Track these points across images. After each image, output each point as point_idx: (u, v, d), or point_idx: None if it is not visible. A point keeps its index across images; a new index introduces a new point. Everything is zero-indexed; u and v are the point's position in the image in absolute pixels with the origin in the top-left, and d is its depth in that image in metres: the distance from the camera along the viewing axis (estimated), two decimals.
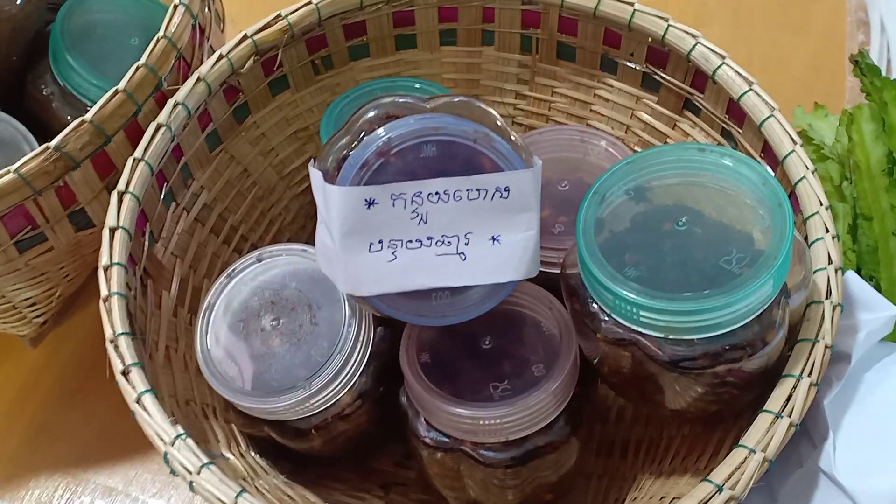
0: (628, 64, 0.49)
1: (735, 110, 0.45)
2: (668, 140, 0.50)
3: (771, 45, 0.67)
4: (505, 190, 0.35)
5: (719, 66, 0.44)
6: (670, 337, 0.35)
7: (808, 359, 0.36)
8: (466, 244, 0.36)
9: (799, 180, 0.40)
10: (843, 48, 0.66)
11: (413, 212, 0.36)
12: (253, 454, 0.45)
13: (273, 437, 0.44)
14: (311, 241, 0.55)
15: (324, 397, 0.41)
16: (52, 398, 0.56)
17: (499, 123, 0.38)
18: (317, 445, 0.44)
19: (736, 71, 0.43)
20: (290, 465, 0.46)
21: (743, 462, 0.34)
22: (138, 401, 0.37)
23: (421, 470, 0.44)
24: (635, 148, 0.51)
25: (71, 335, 0.58)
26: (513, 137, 0.37)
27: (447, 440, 0.41)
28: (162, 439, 0.36)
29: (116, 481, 0.53)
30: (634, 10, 0.46)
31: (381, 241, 0.36)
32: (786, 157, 0.41)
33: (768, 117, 0.42)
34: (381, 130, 0.36)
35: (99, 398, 0.55)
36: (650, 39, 0.47)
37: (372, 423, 0.44)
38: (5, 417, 0.56)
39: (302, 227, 0.55)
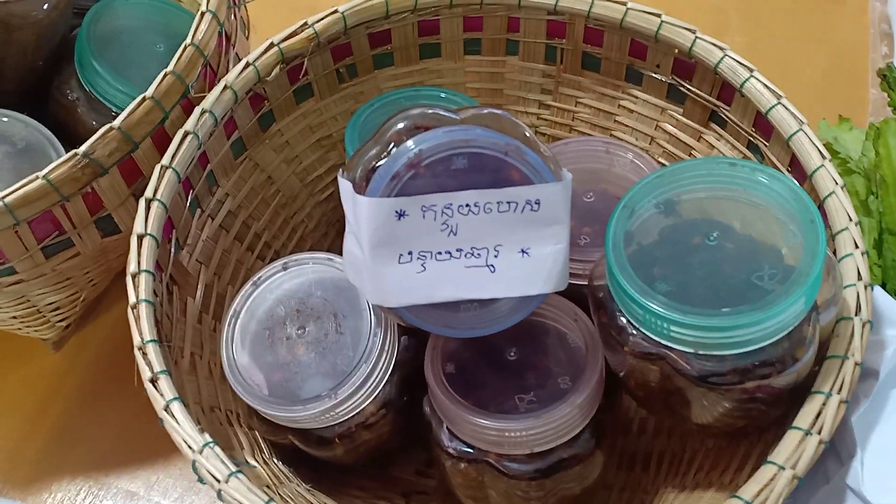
0: (654, 75, 0.49)
1: (762, 123, 0.44)
2: (692, 152, 0.49)
3: (791, 56, 0.67)
4: (535, 203, 0.35)
5: (747, 79, 0.44)
6: (700, 352, 0.35)
7: (837, 375, 0.36)
8: (496, 256, 0.36)
9: (828, 195, 0.40)
10: (866, 59, 0.66)
11: (443, 224, 0.36)
12: (276, 461, 0.45)
13: (296, 444, 0.44)
14: (332, 248, 0.56)
15: (349, 406, 0.41)
16: (74, 402, 0.56)
17: (528, 135, 0.38)
18: (339, 454, 0.44)
19: (764, 84, 0.43)
20: (311, 472, 0.47)
21: (772, 479, 0.34)
22: (167, 408, 0.37)
23: (443, 480, 0.44)
24: (660, 159, 0.50)
25: (93, 339, 0.58)
26: (542, 150, 0.37)
27: (471, 451, 0.41)
28: (190, 447, 0.36)
29: (138, 486, 0.53)
30: (662, 21, 0.46)
31: (410, 253, 0.36)
32: (814, 171, 0.41)
33: (797, 131, 0.42)
34: (410, 142, 0.36)
35: (121, 402, 0.56)
36: (677, 51, 0.46)
37: (395, 433, 0.44)
38: (28, 421, 0.56)
39: (324, 234, 0.55)
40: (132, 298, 0.39)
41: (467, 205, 0.35)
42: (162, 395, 0.37)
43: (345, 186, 0.37)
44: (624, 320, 0.37)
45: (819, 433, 0.35)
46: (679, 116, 0.49)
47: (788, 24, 0.69)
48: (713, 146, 0.48)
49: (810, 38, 0.68)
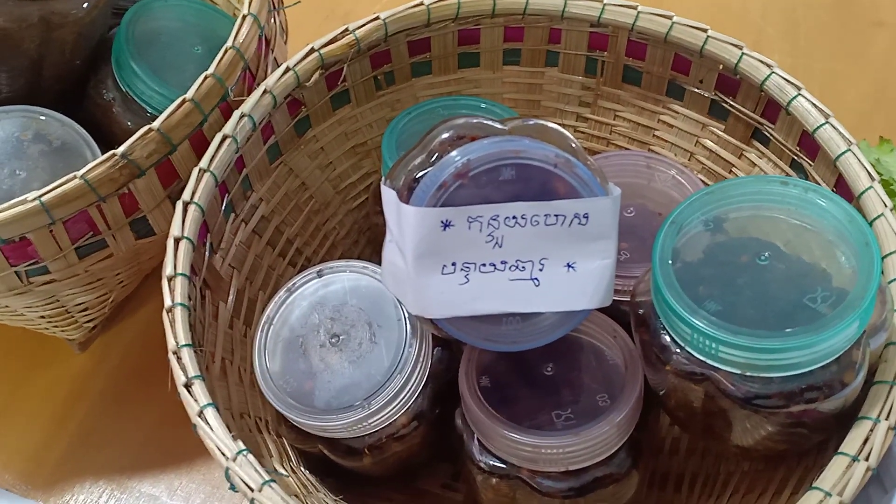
0: (696, 90, 0.48)
1: (808, 142, 0.44)
2: (733, 169, 0.49)
3: (829, 75, 0.66)
4: (584, 217, 0.35)
5: (794, 97, 0.43)
6: (747, 374, 0.34)
7: (885, 401, 0.35)
8: (541, 270, 0.36)
9: (876, 217, 0.39)
10: None
11: (488, 235, 0.35)
12: (303, 470, 0.45)
13: (324, 453, 0.43)
14: (362, 256, 0.55)
15: (381, 417, 0.40)
16: (98, 404, 0.56)
17: (575, 147, 0.37)
18: (367, 465, 0.43)
19: (812, 103, 0.43)
20: (338, 482, 0.46)
21: None
22: (200, 414, 0.36)
23: (472, 494, 0.44)
24: (699, 176, 0.50)
25: (119, 341, 0.58)
26: (591, 163, 0.36)
27: (504, 466, 0.40)
28: (224, 454, 0.36)
29: (160, 490, 0.52)
30: (708, 36, 0.45)
31: (454, 264, 0.36)
32: (863, 192, 0.40)
33: (845, 151, 0.41)
34: (455, 153, 0.36)
35: (145, 406, 0.55)
36: (721, 67, 0.46)
37: (424, 445, 0.44)
38: (52, 422, 0.55)
39: (355, 241, 0.55)
40: (168, 301, 0.39)
41: (514, 217, 0.35)
42: (196, 400, 0.37)
43: (388, 195, 0.37)
44: (668, 338, 0.36)
45: (867, 459, 0.34)
46: (720, 133, 0.49)
47: (827, 44, 0.68)
48: (755, 164, 0.48)
49: (848, 57, 0.67)
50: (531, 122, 0.37)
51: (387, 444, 0.42)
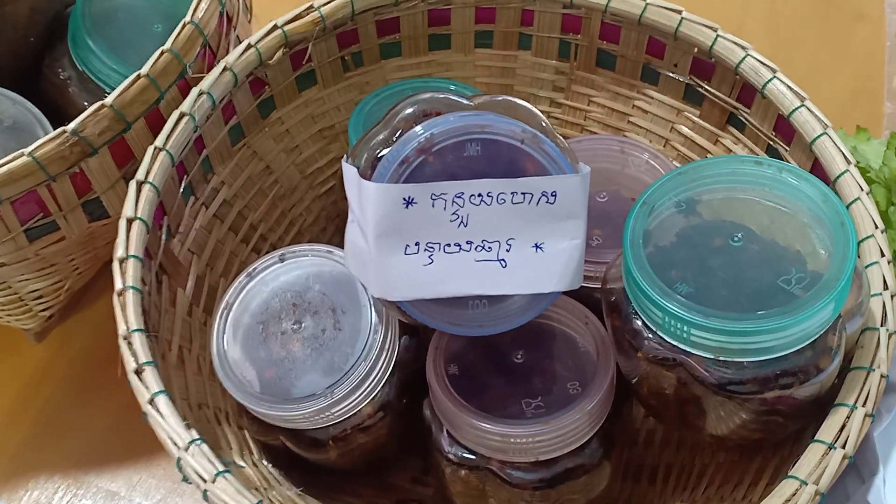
0: (671, 75, 0.47)
1: (784, 126, 0.43)
2: (708, 155, 0.48)
3: (809, 67, 0.66)
4: (552, 195, 0.33)
5: (770, 80, 0.42)
6: (720, 358, 0.33)
7: (862, 388, 0.35)
8: (508, 250, 0.34)
9: (853, 201, 0.39)
10: (881, 73, 0.65)
11: (453, 213, 0.34)
12: (265, 463, 0.43)
13: (287, 445, 0.42)
14: (331, 244, 0.53)
15: (345, 407, 0.39)
16: (56, 396, 0.54)
17: (544, 125, 0.36)
18: (333, 457, 0.42)
19: (787, 86, 0.42)
20: (303, 476, 0.44)
21: (794, 494, 0.32)
22: (151, 402, 0.35)
23: (441, 487, 0.42)
24: (674, 163, 0.49)
25: (77, 331, 0.56)
26: (560, 140, 0.35)
27: (473, 457, 0.39)
28: (175, 444, 0.34)
29: (119, 485, 0.51)
30: (682, 18, 0.44)
31: (417, 244, 0.34)
32: (839, 176, 0.39)
33: (821, 135, 0.40)
34: (419, 128, 0.34)
35: (104, 398, 0.53)
36: (696, 50, 0.45)
37: (392, 437, 0.42)
38: (7, 415, 0.53)
39: (323, 229, 0.53)
40: (118, 285, 0.37)
41: (480, 194, 0.33)
42: (147, 387, 0.35)
43: (349, 172, 0.35)
44: (640, 323, 0.35)
45: (843, 447, 0.33)
46: (695, 118, 0.48)
47: (807, 37, 0.68)
48: (730, 150, 0.47)
49: (828, 50, 0.67)
50: (499, 98, 0.36)
51: (352, 435, 0.41)
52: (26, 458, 0.52)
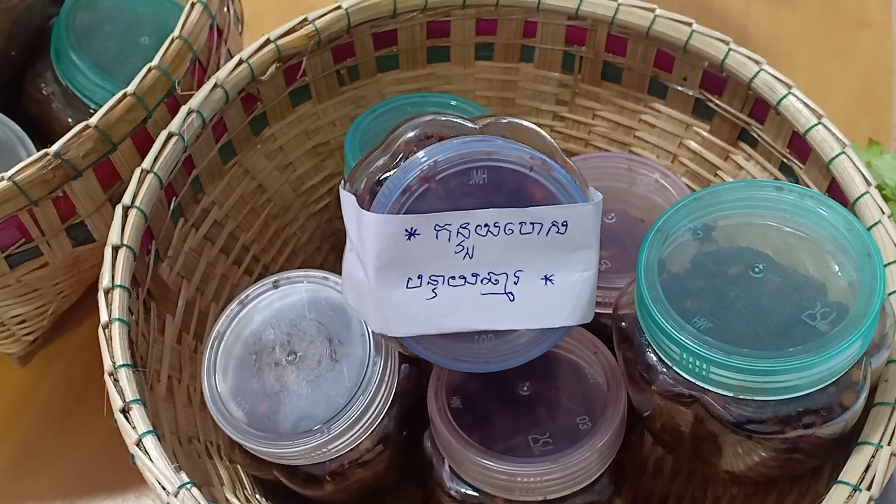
0: (680, 88, 0.45)
1: (799, 144, 0.41)
2: (718, 172, 0.46)
3: (814, 75, 0.64)
4: (563, 224, 0.32)
5: (785, 96, 0.40)
6: (740, 396, 0.31)
7: (887, 425, 0.33)
8: (515, 283, 0.33)
9: (873, 225, 0.37)
10: (890, 80, 0.63)
11: (458, 245, 0.32)
12: (259, 497, 0.41)
13: (282, 480, 0.40)
14: (326, 263, 0.52)
15: (343, 442, 0.37)
16: (39, 422, 0.52)
17: (552, 148, 0.34)
18: (329, 492, 0.40)
19: (803, 102, 0.40)
20: None
21: None
22: (139, 443, 0.33)
23: None
24: (683, 179, 0.47)
25: (62, 355, 0.54)
26: (571, 166, 0.33)
27: (476, 494, 0.37)
28: (164, 488, 0.32)
29: None
30: (693, 31, 0.42)
31: (420, 277, 0.32)
32: (858, 198, 0.38)
33: (839, 154, 0.39)
34: (422, 154, 0.32)
35: (90, 425, 0.51)
36: (707, 63, 0.43)
37: (391, 470, 0.41)
38: None
39: (317, 248, 0.52)
40: (104, 317, 0.35)
41: (486, 224, 0.32)
42: (134, 427, 0.33)
43: (347, 200, 0.33)
44: (653, 357, 0.33)
45: (869, 489, 0.32)
46: (705, 134, 0.46)
47: (812, 45, 0.66)
48: (741, 167, 0.45)
49: (834, 57, 0.65)
50: (505, 121, 0.34)
51: (350, 470, 0.39)
52: (8, 486, 0.50)
